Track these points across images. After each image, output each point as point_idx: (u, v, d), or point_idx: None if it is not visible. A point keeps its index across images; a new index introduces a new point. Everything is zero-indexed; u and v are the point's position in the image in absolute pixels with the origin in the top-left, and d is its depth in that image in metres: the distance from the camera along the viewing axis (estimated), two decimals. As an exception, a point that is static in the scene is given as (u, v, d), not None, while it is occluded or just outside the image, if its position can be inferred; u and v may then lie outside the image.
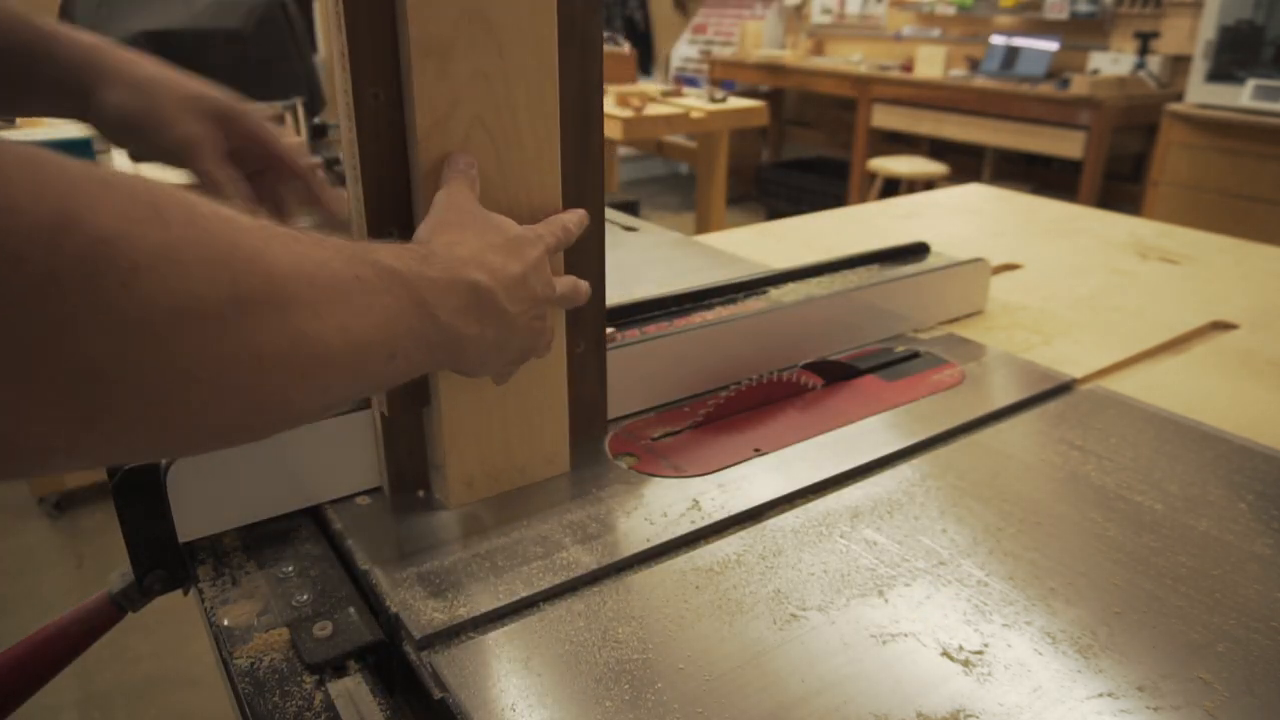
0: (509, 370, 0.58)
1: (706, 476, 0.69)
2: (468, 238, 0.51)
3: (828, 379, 0.86)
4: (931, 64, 4.62)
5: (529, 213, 0.60)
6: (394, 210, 0.58)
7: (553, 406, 0.67)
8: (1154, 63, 3.96)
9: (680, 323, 0.83)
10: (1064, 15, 4.30)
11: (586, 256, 0.65)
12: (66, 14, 3.05)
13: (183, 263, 0.32)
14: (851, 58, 5.25)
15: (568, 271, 0.63)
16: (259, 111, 0.67)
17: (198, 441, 0.37)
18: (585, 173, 0.64)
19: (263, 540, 0.63)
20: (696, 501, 0.66)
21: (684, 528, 0.62)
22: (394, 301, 0.42)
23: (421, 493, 0.67)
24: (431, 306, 0.45)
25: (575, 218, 0.60)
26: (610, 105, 3.74)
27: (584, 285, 0.61)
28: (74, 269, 0.28)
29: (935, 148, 4.77)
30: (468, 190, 0.55)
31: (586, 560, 0.59)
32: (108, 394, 0.30)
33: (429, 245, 0.49)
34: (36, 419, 0.29)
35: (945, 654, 0.51)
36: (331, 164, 1.99)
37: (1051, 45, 4.27)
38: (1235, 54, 3.41)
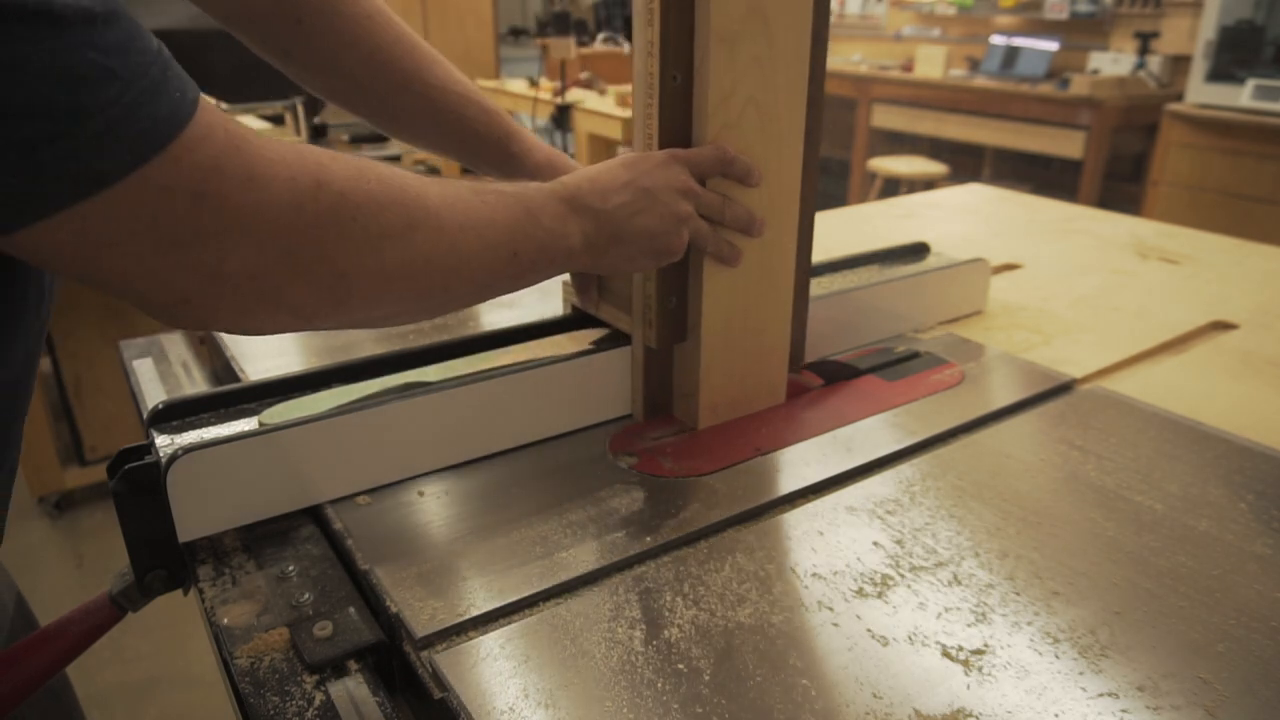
0: (641, 265, 0.67)
1: (706, 476, 0.69)
2: (592, 169, 0.65)
3: (828, 379, 0.86)
4: (931, 64, 4.62)
5: (776, 176, 0.72)
6: None
7: (777, 346, 0.78)
8: (1154, 63, 3.96)
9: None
10: (1064, 15, 4.30)
11: (805, 210, 0.76)
12: (66, 14, 3.05)
13: (381, 204, 0.50)
14: (851, 58, 5.25)
15: (779, 212, 0.73)
16: None
17: (397, 314, 0.55)
18: (811, 142, 0.75)
19: (263, 540, 0.63)
20: (696, 501, 0.66)
21: (684, 528, 0.62)
22: (510, 215, 0.58)
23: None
24: (536, 214, 0.59)
25: (740, 160, 0.69)
26: (611, 105, 3.75)
27: (756, 217, 0.71)
28: (326, 213, 0.47)
29: (935, 148, 4.77)
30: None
31: (586, 560, 0.59)
32: (349, 286, 0.49)
33: (559, 179, 0.63)
34: (311, 302, 0.48)
35: (945, 654, 0.51)
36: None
37: (1051, 45, 4.28)
38: (1235, 54, 3.41)
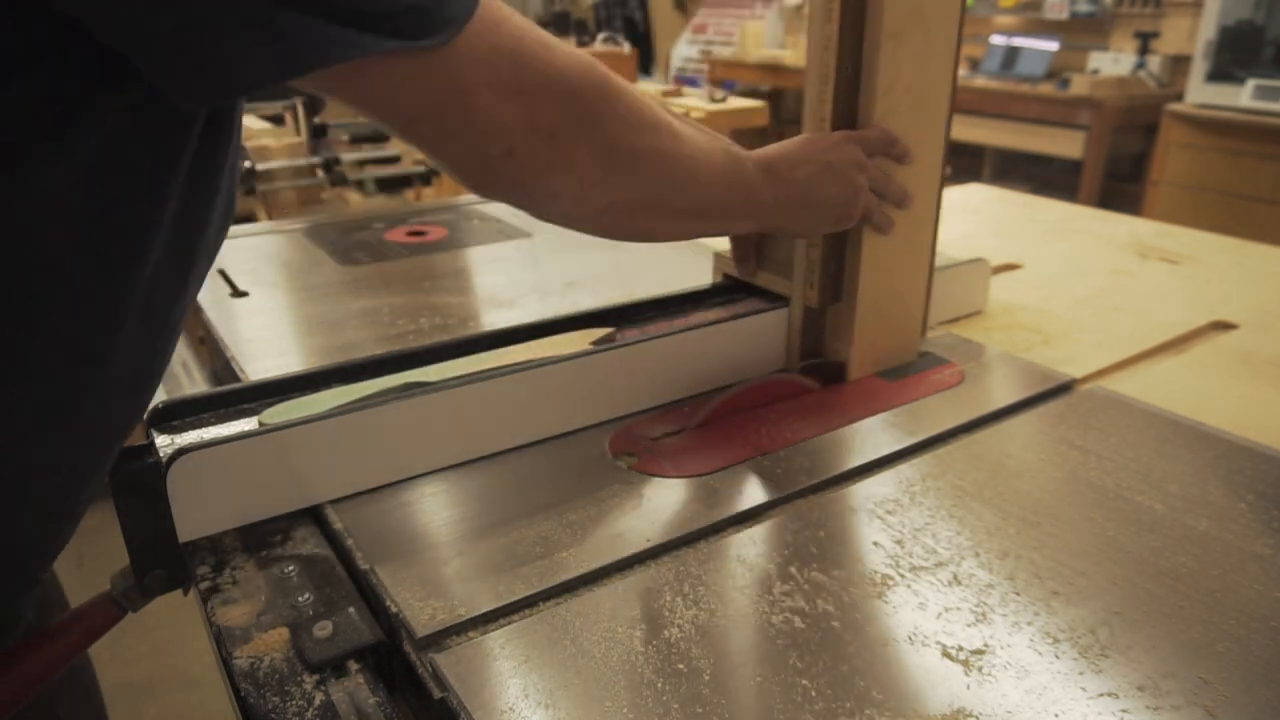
0: (828, 227, 0.76)
1: (706, 476, 0.69)
2: (776, 147, 0.73)
3: (827, 380, 0.86)
4: (931, 64, 4.61)
5: (922, 157, 0.81)
6: None
7: (914, 308, 0.89)
8: (1154, 63, 3.96)
9: (680, 322, 0.83)
10: (1064, 15, 4.30)
11: (939, 189, 0.86)
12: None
13: (633, 98, 0.59)
14: (851, 58, 5.24)
15: (931, 197, 0.85)
16: None
17: (649, 207, 0.63)
18: (948, 128, 0.85)
19: (263, 540, 0.63)
20: (696, 502, 0.66)
21: (684, 528, 0.62)
22: (726, 158, 0.66)
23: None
24: (742, 164, 0.68)
25: (900, 143, 0.79)
26: (610, 105, 3.73)
27: (908, 192, 0.81)
28: (599, 87, 0.56)
29: (935, 148, 4.76)
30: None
31: (586, 560, 0.59)
32: (615, 156, 0.58)
33: (751, 152, 0.71)
34: (589, 165, 0.56)
35: (945, 654, 0.51)
36: (331, 164, 1.99)
37: (1051, 45, 4.27)
38: (1235, 54, 3.41)
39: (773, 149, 0.72)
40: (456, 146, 0.52)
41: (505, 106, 0.51)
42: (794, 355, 0.86)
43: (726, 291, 0.92)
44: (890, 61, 0.76)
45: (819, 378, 0.86)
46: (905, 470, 0.71)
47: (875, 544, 0.62)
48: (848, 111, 0.78)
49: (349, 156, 1.99)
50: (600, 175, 0.57)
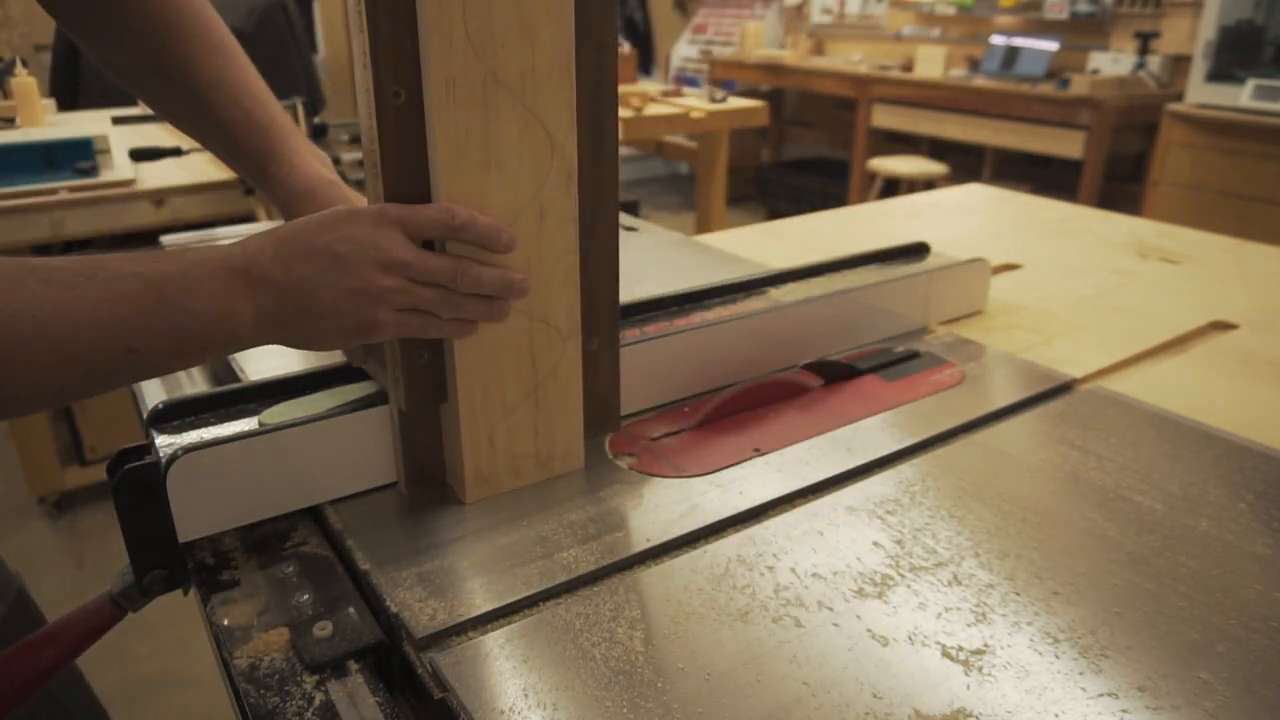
0: (347, 341, 0.57)
1: (706, 476, 0.69)
2: (290, 226, 0.56)
3: (828, 379, 0.86)
4: (931, 64, 4.62)
5: (540, 222, 0.61)
6: None
7: (568, 403, 0.68)
8: (1154, 63, 3.96)
9: (680, 323, 0.83)
10: (1064, 15, 4.30)
11: (599, 253, 0.66)
12: (66, 14, 3.05)
13: None
14: (851, 58, 5.25)
15: (584, 267, 0.64)
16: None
17: None
18: (601, 173, 0.64)
19: (263, 540, 0.63)
20: (696, 502, 0.66)
21: (684, 528, 0.62)
22: (128, 309, 0.50)
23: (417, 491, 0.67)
24: (177, 299, 0.51)
25: (477, 226, 0.58)
26: (610, 105, 3.73)
27: (512, 279, 0.59)
28: None
29: (935, 148, 4.77)
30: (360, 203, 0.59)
31: (586, 560, 0.59)
32: None
33: (245, 240, 0.55)
34: None
35: (945, 654, 0.51)
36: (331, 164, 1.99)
37: (1051, 45, 4.27)
38: (1235, 54, 3.41)
39: (276, 236, 0.55)
40: None
41: None
42: (399, 467, 0.67)
43: (346, 378, 0.71)
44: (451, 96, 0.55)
45: (821, 375, 0.86)
46: (905, 470, 0.71)
47: (875, 544, 0.62)
48: (409, 168, 0.57)
49: (349, 156, 1.99)
50: None
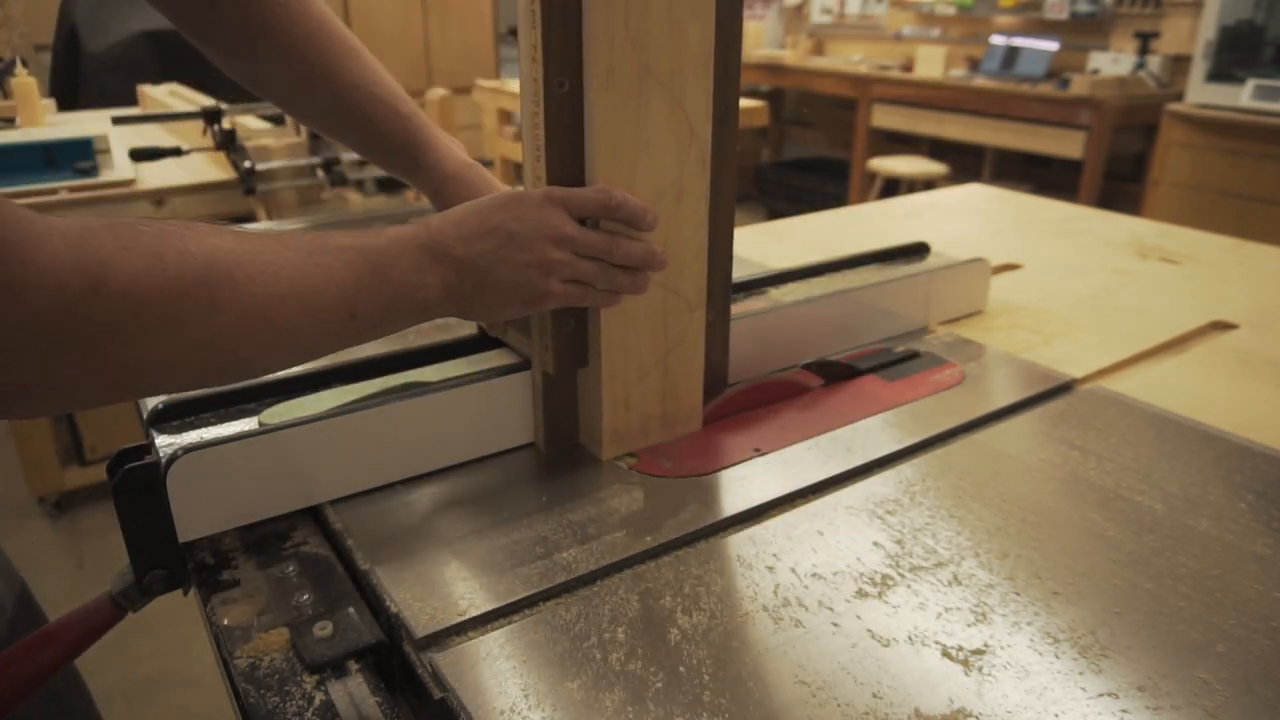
0: (518, 311, 0.63)
1: (706, 476, 0.69)
2: (463, 209, 0.61)
3: (828, 379, 0.86)
4: (931, 64, 4.62)
5: (678, 201, 0.68)
6: None
7: (692, 369, 0.73)
8: (1154, 63, 3.96)
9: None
10: (1064, 15, 4.30)
11: (720, 232, 0.73)
12: (66, 14, 3.05)
13: (175, 293, 0.46)
14: (851, 58, 5.25)
15: (685, 236, 0.69)
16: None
17: (201, 384, 0.54)
18: (724, 156, 0.71)
19: (263, 540, 0.63)
20: (696, 501, 0.66)
21: (684, 528, 0.62)
22: (350, 276, 0.55)
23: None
24: (385, 270, 0.56)
25: (626, 204, 0.64)
26: (610, 105, 3.73)
27: (655, 252, 0.65)
28: (100, 314, 0.44)
29: (935, 148, 4.76)
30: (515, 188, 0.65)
31: (586, 560, 0.59)
32: (128, 374, 0.47)
33: (423, 220, 0.60)
34: (84, 390, 0.46)
35: (945, 654, 0.51)
36: (331, 164, 1.99)
37: (1051, 45, 4.27)
38: (1235, 54, 3.41)
39: (452, 217, 0.60)
40: None
41: None
42: (539, 429, 0.73)
43: (475, 347, 0.78)
44: (609, 88, 0.61)
45: (821, 375, 0.86)
46: (905, 470, 0.71)
47: (875, 544, 0.62)
48: (568, 152, 0.63)
49: (349, 156, 1.99)
50: (110, 391, 0.48)
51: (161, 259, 0.46)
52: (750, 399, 0.80)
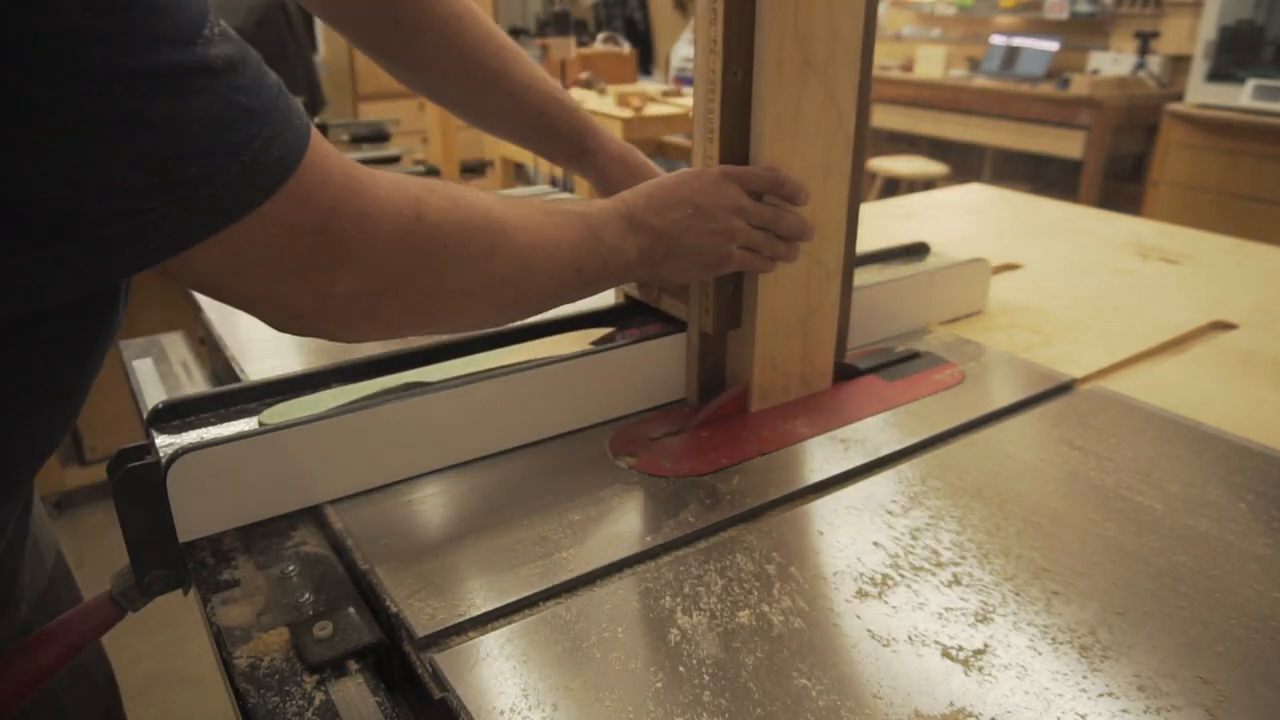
0: (701, 274, 0.71)
1: (706, 476, 0.69)
2: (651, 185, 0.69)
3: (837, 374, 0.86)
4: (931, 64, 4.62)
5: (826, 180, 0.75)
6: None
7: (827, 331, 0.81)
8: (1154, 63, 3.96)
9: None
10: (1064, 15, 4.30)
11: (852, 209, 0.80)
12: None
13: (468, 232, 0.55)
14: (851, 58, 5.24)
15: (829, 211, 0.77)
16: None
17: (475, 324, 0.62)
18: (859, 145, 0.78)
19: (263, 540, 0.63)
20: (696, 501, 0.66)
21: (684, 528, 0.62)
22: (575, 235, 0.62)
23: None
24: (599, 232, 0.64)
25: (791, 180, 0.72)
26: (610, 105, 3.75)
27: (807, 223, 0.74)
28: (423, 242, 0.52)
29: (935, 148, 4.77)
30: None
31: (586, 560, 0.59)
32: (434, 302, 0.55)
33: (620, 195, 0.68)
34: (401, 316, 0.54)
35: (945, 654, 0.51)
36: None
37: (1051, 45, 4.27)
38: (1235, 54, 3.41)
39: (643, 191, 0.68)
40: (250, 309, 0.50)
41: (286, 284, 0.48)
42: (693, 385, 0.81)
43: (625, 314, 0.87)
44: (782, 78, 0.69)
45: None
46: (905, 470, 0.71)
47: (875, 544, 0.62)
48: (737, 134, 0.71)
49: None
50: (417, 319, 0.56)
51: (455, 203, 0.54)
52: (749, 397, 0.80)
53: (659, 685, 0.48)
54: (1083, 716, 0.47)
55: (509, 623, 0.54)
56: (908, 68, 4.76)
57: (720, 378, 0.81)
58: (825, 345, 0.82)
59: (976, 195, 1.77)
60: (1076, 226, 1.51)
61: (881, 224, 1.51)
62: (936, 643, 0.52)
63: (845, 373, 0.87)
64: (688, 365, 0.80)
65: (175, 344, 0.99)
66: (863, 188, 0.80)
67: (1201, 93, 3.41)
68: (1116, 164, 4.08)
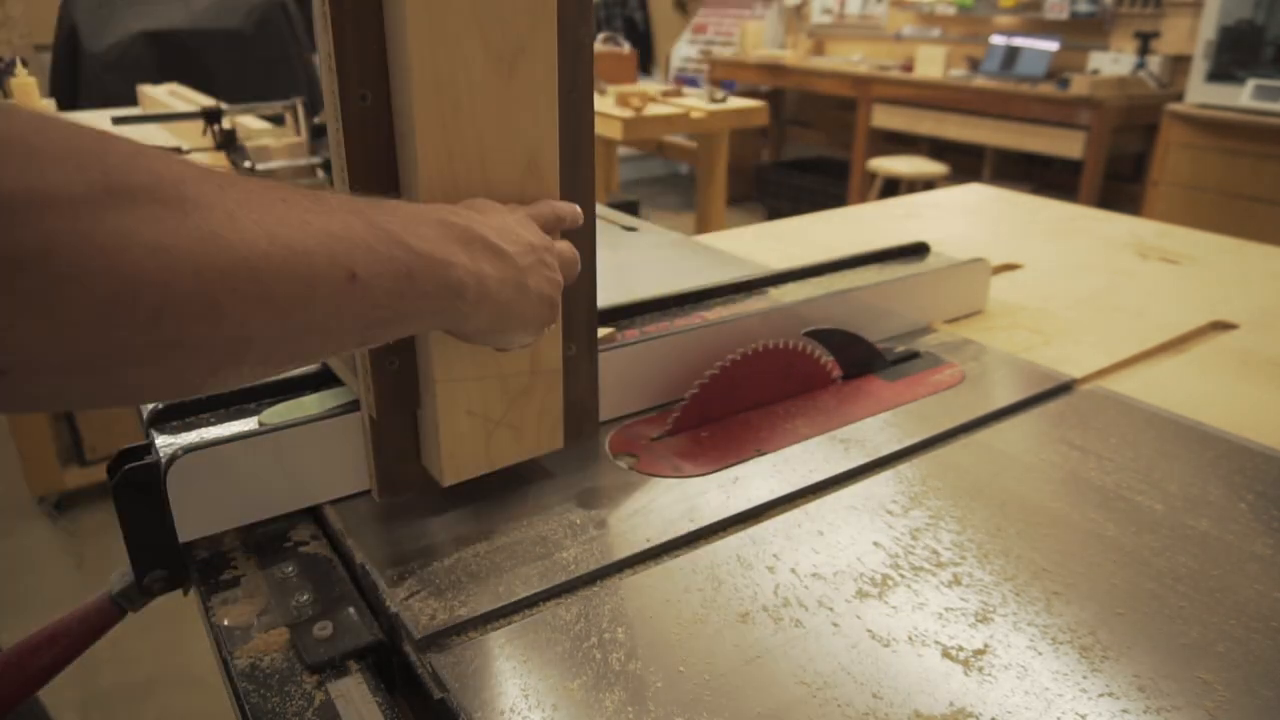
0: (517, 339, 0.55)
1: (706, 476, 0.69)
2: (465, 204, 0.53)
3: (836, 350, 0.85)
4: (931, 64, 4.62)
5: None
6: None
7: (548, 411, 0.65)
8: (1154, 63, 3.96)
9: (680, 323, 0.83)
10: (1064, 15, 4.30)
11: (579, 258, 0.62)
12: (66, 14, 3.05)
13: (50, 156, 0.31)
14: (851, 58, 5.25)
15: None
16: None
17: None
18: (577, 176, 0.62)
19: (263, 540, 0.63)
20: (696, 502, 0.66)
21: (684, 528, 0.62)
22: (340, 220, 0.41)
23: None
24: (393, 231, 0.43)
25: (567, 206, 0.59)
26: (610, 105, 3.75)
27: (575, 255, 0.59)
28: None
29: (935, 148, 4.77)
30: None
31: (586, 560, 0.59)
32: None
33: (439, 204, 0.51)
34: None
35: (945, 654, 0.51)
36: (331, 164, 1.99)
37: (1051, 45, 4.27)
38: (1235, 54, 3.41)
39: (469, 203, 0.53)
40: None
41: None
42: (375, 476, 0.63)
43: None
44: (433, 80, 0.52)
45: (818, 341, 0.84)
46: (905, 470, 0.71)
47: (875, 544, 0.62)
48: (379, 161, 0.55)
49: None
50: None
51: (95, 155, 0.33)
52: (747, 368, 0.79)
53: (659, 685, 0.48)
54: (1083, 717, 0.47)
55: (509, 623, 0.54)
56: (907, 68, 4.76)
57: (411, 468, 0.64)
58: (548, 428, 0.66)
59: (976, 195, 1.77)
60: (1076, 226, 1.51)
61: (881, 224, 1.51)
62: (937, 643, 0.52)
63: (841, 340, 0.86)
64: (366, 453, 0.64)
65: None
66: (592, 229, 0.64)
67: (1201, 93, 3.41)
68: (1116, 164, 4.08)
